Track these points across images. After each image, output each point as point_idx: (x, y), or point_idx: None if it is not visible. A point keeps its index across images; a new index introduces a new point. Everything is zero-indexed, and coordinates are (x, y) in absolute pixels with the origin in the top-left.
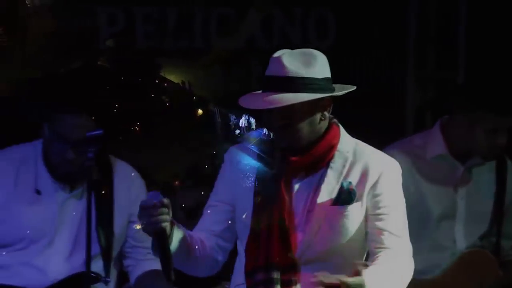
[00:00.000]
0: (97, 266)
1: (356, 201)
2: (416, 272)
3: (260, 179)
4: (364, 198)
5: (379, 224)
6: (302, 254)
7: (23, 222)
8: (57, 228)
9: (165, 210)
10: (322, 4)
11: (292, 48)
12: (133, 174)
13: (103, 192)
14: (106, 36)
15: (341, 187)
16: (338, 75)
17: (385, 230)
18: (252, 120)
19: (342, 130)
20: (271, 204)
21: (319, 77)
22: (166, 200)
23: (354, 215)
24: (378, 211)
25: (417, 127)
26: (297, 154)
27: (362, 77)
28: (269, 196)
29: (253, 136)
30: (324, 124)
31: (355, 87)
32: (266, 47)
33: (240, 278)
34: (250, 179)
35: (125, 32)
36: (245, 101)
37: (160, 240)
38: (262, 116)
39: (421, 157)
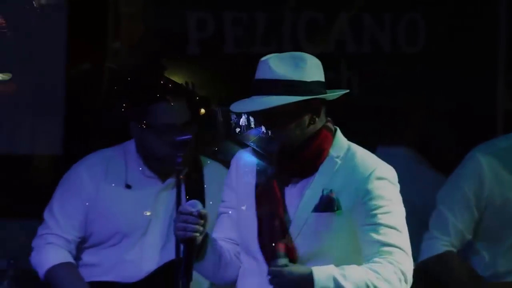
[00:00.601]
0: None
1: (339, 209)
2: (500, 274)
3: (260, 183)
4: (352, 207)
5: (371, 234)
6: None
7: (116, 216)
8: (150, 220)
9: (200, 221)
10: (412, 9)
11: (383, 53)
12: (224, 172)
13: (194, 186)
14: (195, 40)
15: (322, 194)
16: (426, 80)
17: (376, 242)
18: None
19: (337, 133)
20: (269, 209)
21: (307, 80)
22: (203, 211)
23: (335, 223)
24: (369, 221)
25: (507, 130)
26: (286, 159)
27: (452, 81)
28: (267, 201)
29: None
30: (314, 127)
31: (347, 91)
32: (355, 52)
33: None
34: (252, 183)
35: (214, 36)
36: (234, 105)
37: (188, 248)
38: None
39: (506, 159)
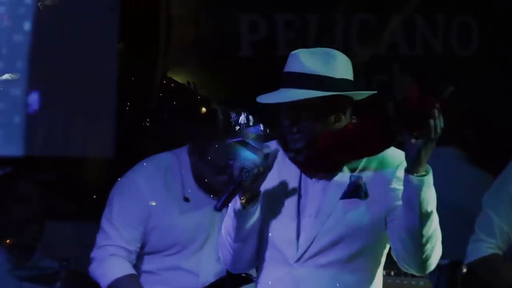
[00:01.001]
0: None
1: (366, 196)
2: None
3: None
4: (380, 193)
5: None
6: (308, 247)
7: (176, 229)
8: (209, 232)
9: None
10: (465, 11)
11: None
12: None
13: None
14: (247, 43)
15: (350, 181)
16: (479, 81)
17: None
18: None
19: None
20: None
21: (336, 76)
22: (268, 151)
23: (362, 210)
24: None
25: None
26: (311, 156)
27: (505, 83)
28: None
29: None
30: (340, 126)
31: (375, 92)
32: (408, 54)
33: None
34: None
35: (266, 39)
36: (261, 97)
37: (239, 180)
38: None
39: None
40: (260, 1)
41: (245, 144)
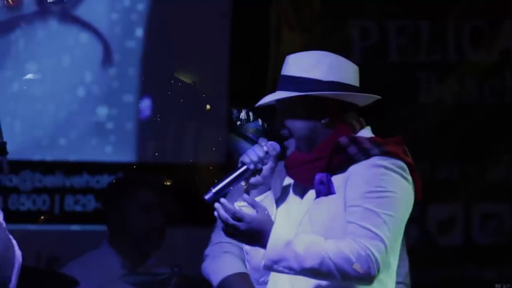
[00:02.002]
0: None
1: (330, 194)
2: None
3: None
4: (342, 192)
5: (351, 216)
6: None
7: None
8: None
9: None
10: None
11: None
12: None
13: None
14: (358, 49)
15: (319, 179)
16: None
17: (351, 223)
18: None
19: (363, 130)
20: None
21: (322, 79)
22: (269, 148)
23: (332, 207)
24: (354, 202)
25: None
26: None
27: None
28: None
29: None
30: (329, 131)
31: (378, 97)
32: None
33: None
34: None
35: (378, 45)
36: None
37: (239, 171)
38: None
39: None
40: (372, 7)
41: (247, 138)
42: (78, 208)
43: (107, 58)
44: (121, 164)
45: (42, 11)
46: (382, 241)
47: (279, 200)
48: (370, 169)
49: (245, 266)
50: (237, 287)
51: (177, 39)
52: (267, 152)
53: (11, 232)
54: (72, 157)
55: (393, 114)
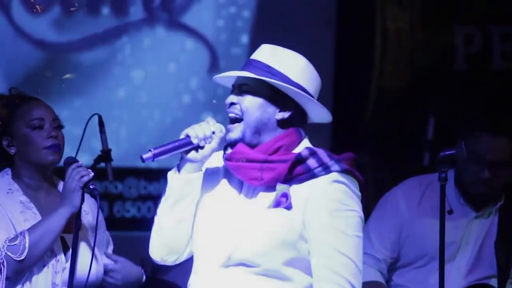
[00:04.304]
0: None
1: (289, 208)
2: None
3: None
4: (301, 207)
5: (315, 233)
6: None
7: (426, 240)
8: (460, 246)
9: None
10: None
11: None
12: None
13: (508, 218)
14: (462, 55)
15: (283, 192)
16: None
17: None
18: None
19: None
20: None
21: (293, 79)
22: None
23: (284, 220)
24: (316, 221)
25: None
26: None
27: None
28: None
29: None
30: (280, 131)
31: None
32: None
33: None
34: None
35: (481, 52)
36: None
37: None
38: None
39: None
40: (476, 13)
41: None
42: None
43: (213, 65)
44: None
45: (149, 18)
46: (357, 266)
47: (210, 188)
48: (331, 186)
49: (381, 275)
50: None
51: (282, 46)
52: (213, 132)
53: (116, 237)
54: None
55: None
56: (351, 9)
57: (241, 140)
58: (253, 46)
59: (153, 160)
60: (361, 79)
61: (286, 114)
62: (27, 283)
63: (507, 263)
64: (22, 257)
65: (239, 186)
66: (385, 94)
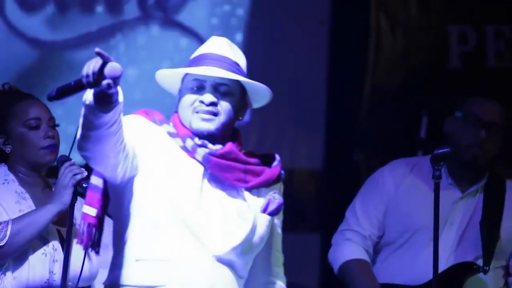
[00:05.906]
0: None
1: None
2: None
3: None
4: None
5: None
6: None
7: (409, 215)
8: (444, 226)
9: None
10: None
11: None
12: None
13: (492, 197)
14: (456, 54)
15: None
16: None
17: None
18: None
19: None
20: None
21: (244, 69)
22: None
23: (266, 225)
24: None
25: None
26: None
27: None
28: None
29: None
30: (233, 131)
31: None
32: None
33: None
34: None
35: (475, 51)
36: (199, 69)
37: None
38: None
39: None
40: (470, 12)
41: None
42: None
43: None
44: None
45: (144, 17)
46: None
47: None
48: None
49: (366, 253)
50: (353, 271)
51: (275, 44)
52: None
53: None
54: None
55: None
56: (344, 8)
57: (214, 134)
58: (247, 44)
59: (55, 96)
60: (355, 78)
61: (245, 112)
62: (25, 269)
63: (491, 242)
64: (1, 244)
65: (200, 174)
66: (379, 93)
